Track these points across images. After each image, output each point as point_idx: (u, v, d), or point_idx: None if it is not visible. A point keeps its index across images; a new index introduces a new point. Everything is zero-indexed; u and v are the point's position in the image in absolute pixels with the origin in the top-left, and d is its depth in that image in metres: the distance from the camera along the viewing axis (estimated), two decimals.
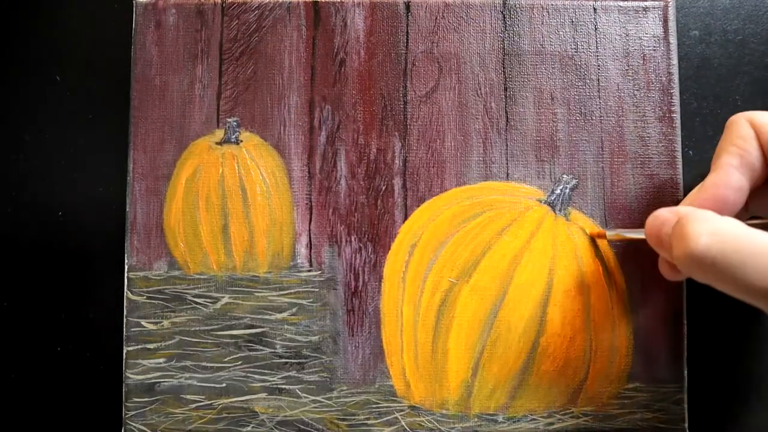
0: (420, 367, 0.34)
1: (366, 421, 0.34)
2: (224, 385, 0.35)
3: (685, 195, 0.35)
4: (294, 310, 0.35)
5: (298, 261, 0.35)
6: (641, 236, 0.31)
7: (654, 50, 0.36)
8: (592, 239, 0.34)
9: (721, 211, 0.27)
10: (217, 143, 0.36)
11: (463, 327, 0.34)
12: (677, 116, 0.36)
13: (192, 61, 0.36)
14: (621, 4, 0.36)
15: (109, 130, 0.37)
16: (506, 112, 0.36)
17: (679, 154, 0.35)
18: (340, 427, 0.34)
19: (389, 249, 0.35)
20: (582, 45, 0.36)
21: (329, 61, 0.36)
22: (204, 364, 0.35)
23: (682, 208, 0.27)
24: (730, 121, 0.28)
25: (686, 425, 0.34)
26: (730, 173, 0.27)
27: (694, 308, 0.35)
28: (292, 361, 0.35)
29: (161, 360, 0.35)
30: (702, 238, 0.24)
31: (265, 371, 0.35)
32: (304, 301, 0.35)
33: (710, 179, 0.28)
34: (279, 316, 0.35)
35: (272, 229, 0.36)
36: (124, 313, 0.35)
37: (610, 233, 0.34)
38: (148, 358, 0.35)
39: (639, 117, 0.36)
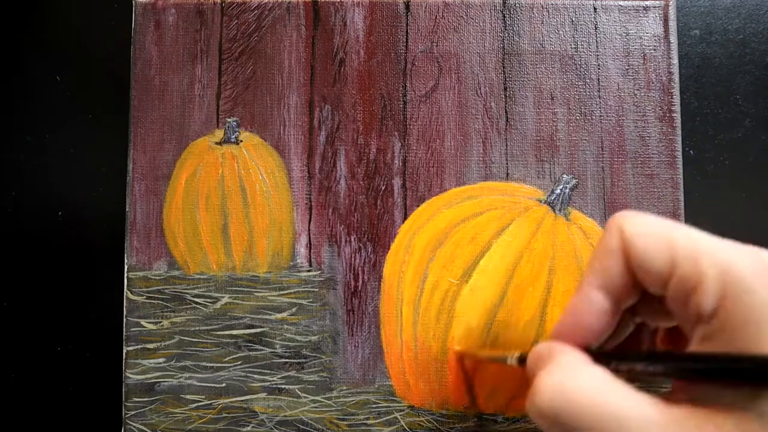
0: (419, 367, 0.34)
1: (365, 421, 0.34)
2: (224, 385, 0.35)
3: (685, 195, 0.35)
4: (294, 310, 0.35)
5: (298, 261, 0.35)
6: (496, 359, 0.31)
7: (654, 50, 0.36)
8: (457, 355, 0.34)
9: (588, 337, 0.24)
10: (216, 143, 0.36)
11: (462, 327, 0.34)
12: (677, 116, 0.36)
13: (191, 60, 0.36)
14: (621, 3, 0.36)
15: (109, 130, 0.37)
16: (506, 111, 0.36)
17: (679, 154, 0.35)
18: (340, 427, 0.34)
19: (389, 249, 0.35)
20: (582, 44, 0.36)
21: (329, 61, 0.36)
22: (204, 364, 0.35)
23: (554, 347, 0.24)
24: (606, 224, 0.24)
25: None
26: (589, 296, 0.24)
27: None
28: (292, 360, 0.35)
29: (161, 360, 0.35)
30: (546, 393, 0.21)
31: (265, 371, 0.35)
32: (303, 301, 0.35)
33: (570, 302, 0.25)
34: (279, 315, 0.35)
35: (272, 229, 0.36)
36: (124, 313, 0.35)
37: (470, 352, 0.33)
38: (148, 358, 0.35)
39: (639, 116, 0.36)
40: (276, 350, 0.35)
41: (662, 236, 0.21)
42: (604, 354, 0.23)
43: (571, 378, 0.21)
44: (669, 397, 0.20)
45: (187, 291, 0.35)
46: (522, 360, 0.28)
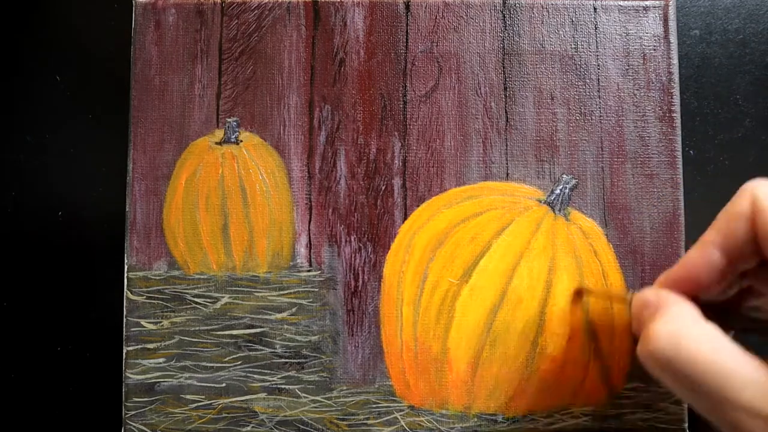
0: (420, 367, 0.34)
1: (365, 421, 0.34)
2: (224, 385, 0.35)
3: (685, 195, 0.35)
4: (294, 310, 0.35)
5: (298, 261, 0.35)
6: (622, 299, 0.31)
7: (654, 50, 0.36)
8: (576, 294, 0.34)
9: (696, 290, 0.26)
10: (216, 143, 0.36)
11: (462, 327, 0.34)
12: (677, 116, 0.36)
13: (191, 60, 0.36)
14: (621, 3, 0.36)
15: (109, 130, 0.37)
16: (506, 111, 0.36)
17: (679, 154, 0.35)
18: (340, 427, 0.34)
19: (389, 249, 0.35)
20: (582, 44, 0.36)
21: (329, 61, 0.36)
22: (204, 364, 0.35)
23: (665, 296, 0.26)
24: (740, 188, 0.25)
25: (686, 425, 0.34)
26: (708, 253, 0.25)
27: None
28: (292, 360, 0.35)
29: (161, 360, 0.35)
30: (663, 341, 0.23)
31: (265, 371, 0.35)
32: (303, 301, 0.35)
33: (689, 255, 0.26)
34: (279, 315, 0.35)
35: (272, 228, 0.36)
36: (124, 313, 0.35)
37: (597, 290, 0.34)
38: (148, 358, 0.35)
39: (639, 117, 0.36)
40: (276, 350, 0.35)
41: None
42: (714, 308, 0.25)
43: (687, 330, 0.23)
44: None
45: (187, 291, 0.35)
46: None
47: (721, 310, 0.25)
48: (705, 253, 0.25)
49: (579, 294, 0.34)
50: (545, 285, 0.34)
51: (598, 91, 0.36)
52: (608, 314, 0.34)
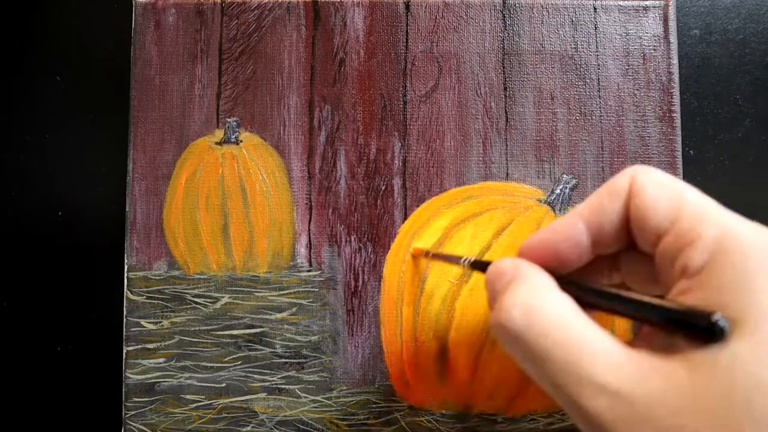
0: (419, 367, 0.34)
1: (366, 421, 0.34)
2: (224, 385, 0.35)
3: None
4: (294, 309, 0.35)
5: (298, 261, 0.35)
6: (456, 262, 0.30)
7: (654, 50, 0.36)
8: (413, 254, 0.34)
9: (555, 261, 0.24)
10: (216, 143, 0.36)
11: (462, 327, 0.34)
12: (677, 116, 0.36)
13: (191, 61, 0.36)
14: (621, 3, 0.36)
15: (109, 130, 0.37)
16: (506, 111, 0.36)
17: (679, 154, 0.35)
18: (340, 427, 0.34)
19: (389, 249, 0.35)
20: (582, 44, 0.36)
21: (329, 61, 0.36)
22: (204, 364, 0.35)
23: (522, 265, 0.24)
24: (623, 170, 0.24)
25: None
26: (573, 225, 0.23)
27: None
28: (292, 361, 0.35)
29: (161, 360, 0.35)
30: (514, 310, 0.21)
31: (265, 371, 0.35)
32: (303, 301, 0.35)
33: (551, 224, 0.24)
34: (279, 315, 0.35)
35: (272, 229, 0.36)
36: (124, 313, 0.35)
37: (432, 252, 0.33)
38: (148, 358, 0.35)
39: (639, 117, 0.36)
40: (276, 350, 0.35)
41: (673, 190, 0.22)
42: (569, 282, 0.23)
43: (540, 300, 0.21)
44: (630, 342, 0.20)
45: (187, 291, 0.35)
46: (475, 265, 0.28)
47: (579, 285, 0.23)
48: (570, 224, 0.23)
49: (418, 252, 0.34)
50: None
51: (598, 91, 0.36)
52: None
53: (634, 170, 0.23)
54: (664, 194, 0.22)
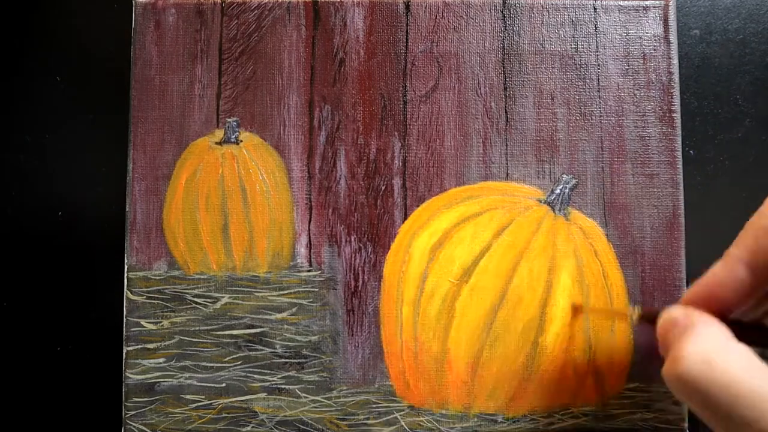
0: (419, 367, 0.34)
1: (366, 421, 0.34)
2: (224, 385, 0.35)
3: (685, 195, 0.35)
4: (294, 310, 0.35)
5: (298, 261, 0.35)
6: (623, 316, 0.30)
7: (654, 50, 0.36)
8: (574, 310, 0.34)
9: (723, 308, 0.24)
10: (216, 143, 0.36)
11: (462, 327, 0.34)
12: (677, 116, 0.36)
13: (191, 61, 0.36)
14: (621, 3, 0.36)
15: (109, 130, 0.37)
16: (506, 111, 0.36)
17: (679, 154, 0.35)
18: (340, 427, 0.34)
19: (389, 249, 0.35)
20: (582, 44, 0.36)
21: (329, 61, 0.36)
22: (204, 364, 0.35)
23: (694, 315, 0.24)
24: (765, 202, 0.24)
25: (686, 425, 0.34)
26: (735, 270, 0.24)
27: None
28: (292, 361, 0.35)
29: (161, 360, 0.35)
30: (691, 362, 0.21)
31: (265, 371, 0.35)
32: (303, 301, 0.35)
33: (713, 271, 0.25)
34: (279, 315, 0.35)
35: (272, 228, 0.36)
36: (124, 313, 0.35)
37: (596, 308, 0.33)
38: (148, 358, 0.35)
39: (639, 117, 0.36)
40: (276, 350, 0.35)
41: None
42: (743, 326, 0.23)
43: (719, 351, 0.22)
44: None
45: (187, 291, 0.35)
46: (643, 318, 0.29)
47: (750, 327, 0.24)
48: (731, 270, 0.24)
49: (577, 310, 0.34)
50: (545, 285, 0.34)
51: (598, 91, 0.36)
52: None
53: None
54: None
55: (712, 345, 0.22)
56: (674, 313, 0.25)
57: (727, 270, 0.24)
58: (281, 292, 0.35)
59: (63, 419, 0.37)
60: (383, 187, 0.36)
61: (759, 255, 0.23)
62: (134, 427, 0.34)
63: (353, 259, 0.35)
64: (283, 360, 0.35)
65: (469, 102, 0.36)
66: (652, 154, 0.35)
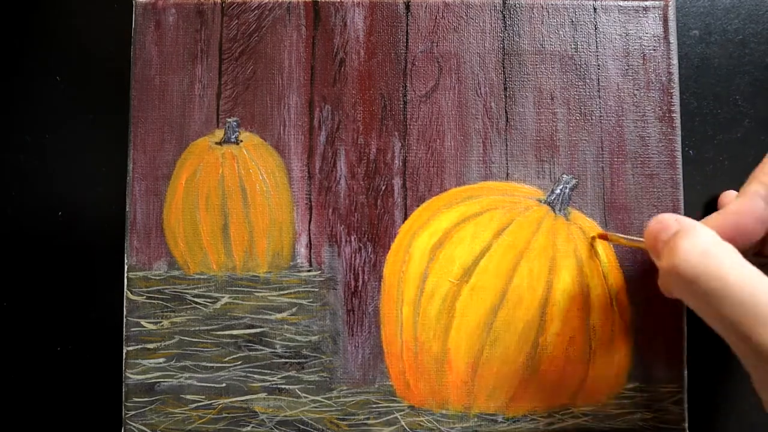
0: (420, 367, 0.34)
1: (366, 421, 0.34)
2: (224, 385, 0.35)
3: (685, 195, 0.35)
4: (294, 310, 0.35)
5: (298, 261, 0.35)
6: (641, 243, 0.31)
7: (654, 50, 0.36)
8: (592, 240, 0.34)
9: (738, 239, 0.26)
10: (216, 143, 0.36)
11: (462, 327, 0.34)
12: (677, 116, 0.36)
13: (192, 61, 0.36)
14: (621, 3, 0.36)
15: (109, 130, 0.37)
16: (506, 111, 0.36)
17: (679, 154, 0.35)
18: (340, 427, 0.34)
19: (389, 249, 0.35)
20: (582, 45, 0.36)
21: (329, 61, 0.36)
22: (204, 364, 0.35)
23: (686, 220, 0.26)
24: None
25: (686, 425, 0.34)
26: (755, 202, 0.26)
27: None
28: (292, 361, 0.35)
29: (161, 360, 0.35)
30: (692, 255, 0.23)
31: (265, 371, 0.35)
32: (303, 301, 0.35)
33: (734, 205, 0.27)
34: (279, 315, 0.35)
35: (272, 228, 0.36)
36: (124, 313, 0.35)
37: (612, 235, 0.34)
38: (148, 358, 0.35)
39: (639, 117, 0.36)
40: (276, 350, 0.35)
41: None
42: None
43: (716, 245, 0.23)
44: None
45: (187, 291, 0.35)
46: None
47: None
48: (751, 202, 0.26)
49: (594, 240, 0.34)
50: (545, 285, 0.34)
51: (598, 91, 0.36)
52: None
53: None
54: None
55: (708, 240, 0.24)
56: (665, 217, 0.27)
57: (747, 202, 0.26)
58: (281, 292, 0.35)
59: (63, 419, 0.37)
60: (383, 187, 0.36)
61: None
62: (134, 427, 0.34)
63: (353, 259, 0.35)
64: (283, 360, 0.35)
65: (469, 102, 0.36)
66: (652, 154, 0.35)
